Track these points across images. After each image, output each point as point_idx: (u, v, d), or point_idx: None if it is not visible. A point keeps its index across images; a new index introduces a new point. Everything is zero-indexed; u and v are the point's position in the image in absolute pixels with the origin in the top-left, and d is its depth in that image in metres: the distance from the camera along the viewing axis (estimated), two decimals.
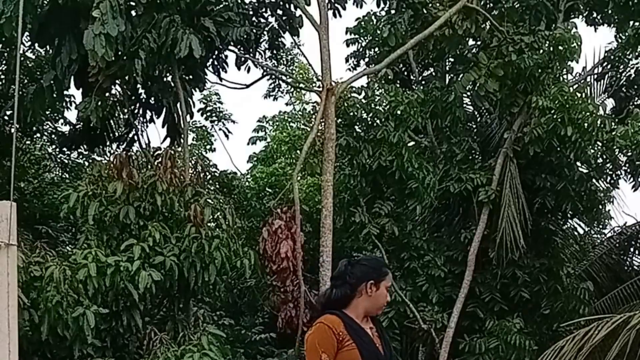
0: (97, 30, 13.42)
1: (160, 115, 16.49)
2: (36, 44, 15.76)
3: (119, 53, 13.91)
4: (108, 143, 17.37)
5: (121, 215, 13.01)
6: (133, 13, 14.72)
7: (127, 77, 15.36)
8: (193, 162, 15.76)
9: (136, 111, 16.75)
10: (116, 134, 17.12)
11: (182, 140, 16.04)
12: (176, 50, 14.37)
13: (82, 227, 13.59)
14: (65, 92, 16.12)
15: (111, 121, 16.60)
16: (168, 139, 16.47)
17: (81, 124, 16.34)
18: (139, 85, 16.04)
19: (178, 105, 15.92)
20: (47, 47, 15.50)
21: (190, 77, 16.23)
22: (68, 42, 14.67)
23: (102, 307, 12.17)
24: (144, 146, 16.73)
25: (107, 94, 15.56)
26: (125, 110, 16.56)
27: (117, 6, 13.60)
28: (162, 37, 14.44)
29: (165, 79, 16.16)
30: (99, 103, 14.96)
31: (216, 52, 16.61)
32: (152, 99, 16.59)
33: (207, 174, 14.73)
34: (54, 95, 15.85)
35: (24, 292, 11.33)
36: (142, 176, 13.23)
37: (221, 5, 15.66)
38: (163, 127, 16.47)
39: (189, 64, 15.60)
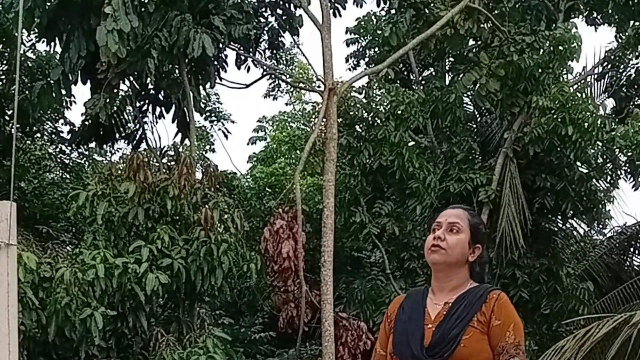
0: (109, 26, 13.41)
1: (169, 111, 16.48)
2: (44, 40, 15.60)
3: (128, 50, 13.86)
4: (117, 140, 17.30)
5: (130, 216, 12.95)
6: (143, 10, 14.62)
7: (136, 74, 15.32)
8: (204, 164, 15.65)
9: (144, 108, 16.71)
10: (125, 130, 17.01)
11: (189, 140, 16.00)
12: (188, 50, 14.38)
13: (88, 227, 13.50)
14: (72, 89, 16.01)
15: (120, 118, 16.53)
16: (179, 136, 16.47)
17: (89, 121, 16.22)
18: (148, 81, 15.99)
19: (186, 101, 15.88)
20: (54, 43, 15.39)
21: (199, 74, 16.16)
22: (77, 39, 14.64)
23: (108, 308, 12.13)
24: (153, 143, 16.74)
25: (115, 91, 15.50)
26: (134, 107, 16.50)
27: (129, 2, 13.57)
28: (173, 35, 14.42)
29: (172, 75, 16.09)
30: (108, 100, 14.91)
31: (216, 51, 16.58)
32: (160, 95, 16.54)
33: (215, 176, 14.62)
34: (62, 92, 15.76)
35: (33, 292, 11.29)
36: (155, 179, 13.16)
37: (230, 2, 15.60)
38: (173, 122, 16.46)
39: (197, 61, 15.53)
